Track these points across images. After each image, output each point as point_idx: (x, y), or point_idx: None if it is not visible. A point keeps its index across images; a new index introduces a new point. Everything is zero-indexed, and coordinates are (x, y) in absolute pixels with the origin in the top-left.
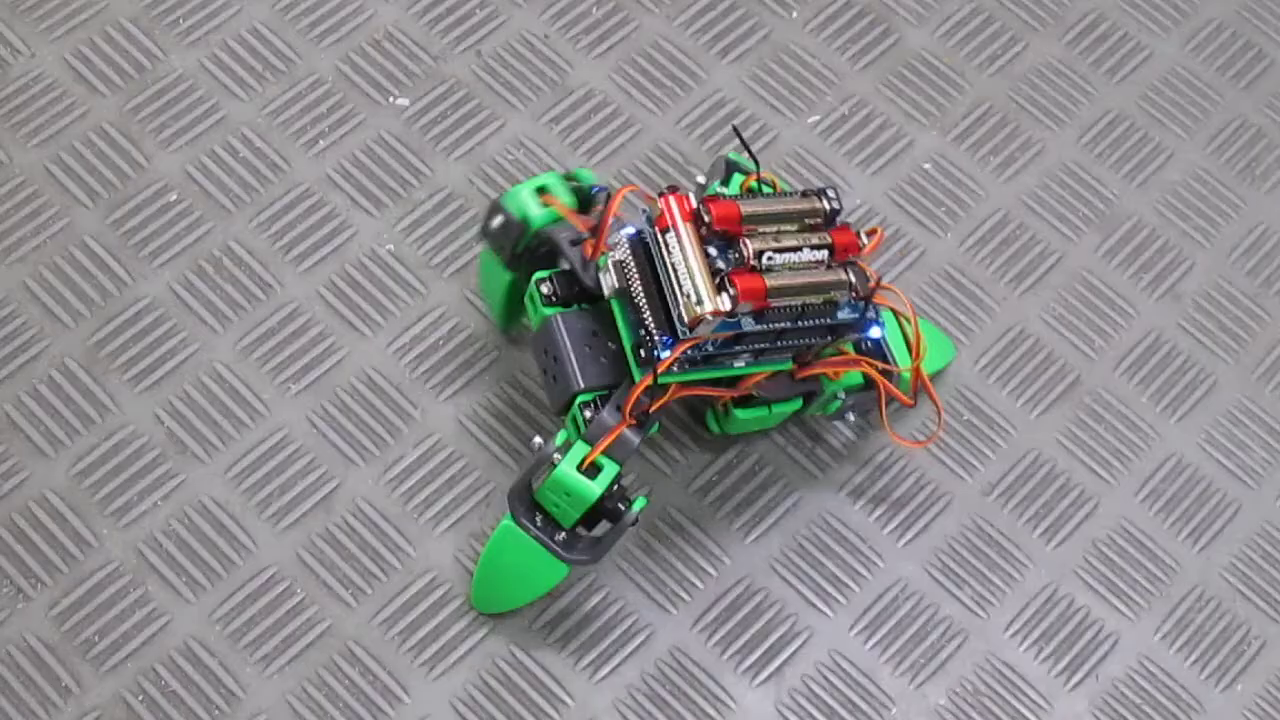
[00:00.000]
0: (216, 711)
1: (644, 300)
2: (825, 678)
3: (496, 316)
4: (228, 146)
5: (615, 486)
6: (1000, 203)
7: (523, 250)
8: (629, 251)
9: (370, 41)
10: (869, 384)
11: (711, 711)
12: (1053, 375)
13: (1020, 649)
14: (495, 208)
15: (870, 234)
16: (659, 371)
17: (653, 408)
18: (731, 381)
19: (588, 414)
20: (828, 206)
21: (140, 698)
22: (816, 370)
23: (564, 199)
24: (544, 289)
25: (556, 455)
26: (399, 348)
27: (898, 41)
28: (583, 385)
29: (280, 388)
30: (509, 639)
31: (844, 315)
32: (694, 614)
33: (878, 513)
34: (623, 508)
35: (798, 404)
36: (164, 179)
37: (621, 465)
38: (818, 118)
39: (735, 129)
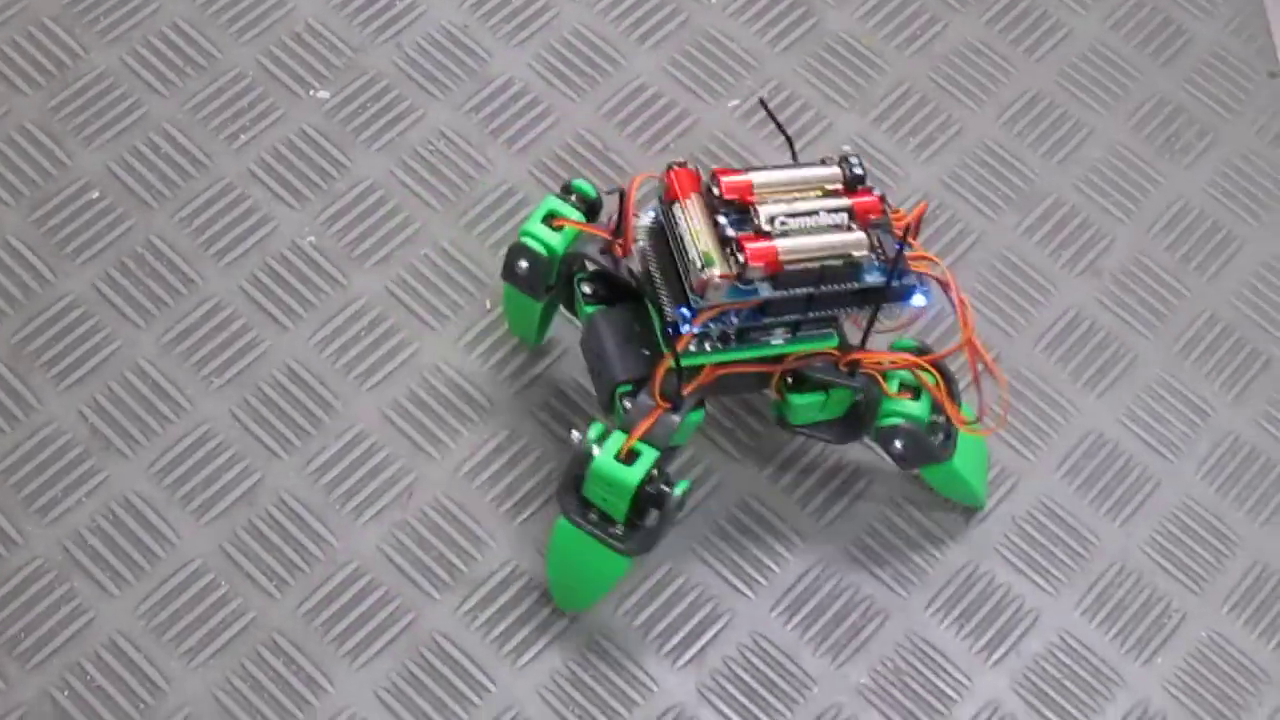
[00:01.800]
0: (142, 705)
1: (660, 279)
2: (747, 659)
3: (530, 339)
4: (149, 143)
5: (655, 472)
6: (920, 183)
7: (555, 280)
8: (647, 237)
9: (290, 35)
10: (930, 432)
11: (634, 695)
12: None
13: (941, 627)
14: (517, 251)
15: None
16: (679, 347)
17: (687, 389)
18: (775, 363)
19: (627, 404)
20: (849, 173)
21: (66, 693)
22: (861, 356)
23: (572, 215)
24: (586, 289)
25: (595, 448)
26: (320, 340)
27: (817, 24)
28: (622, 377)
29: (203, 382)
30: (433, 627)
31: (872, 278)
32: (615, 599)
33: (798, 493)
34: (666, 490)
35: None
36: (85, 176)
37: (661, 451)
38: (737, 101)
39: (763, 102)
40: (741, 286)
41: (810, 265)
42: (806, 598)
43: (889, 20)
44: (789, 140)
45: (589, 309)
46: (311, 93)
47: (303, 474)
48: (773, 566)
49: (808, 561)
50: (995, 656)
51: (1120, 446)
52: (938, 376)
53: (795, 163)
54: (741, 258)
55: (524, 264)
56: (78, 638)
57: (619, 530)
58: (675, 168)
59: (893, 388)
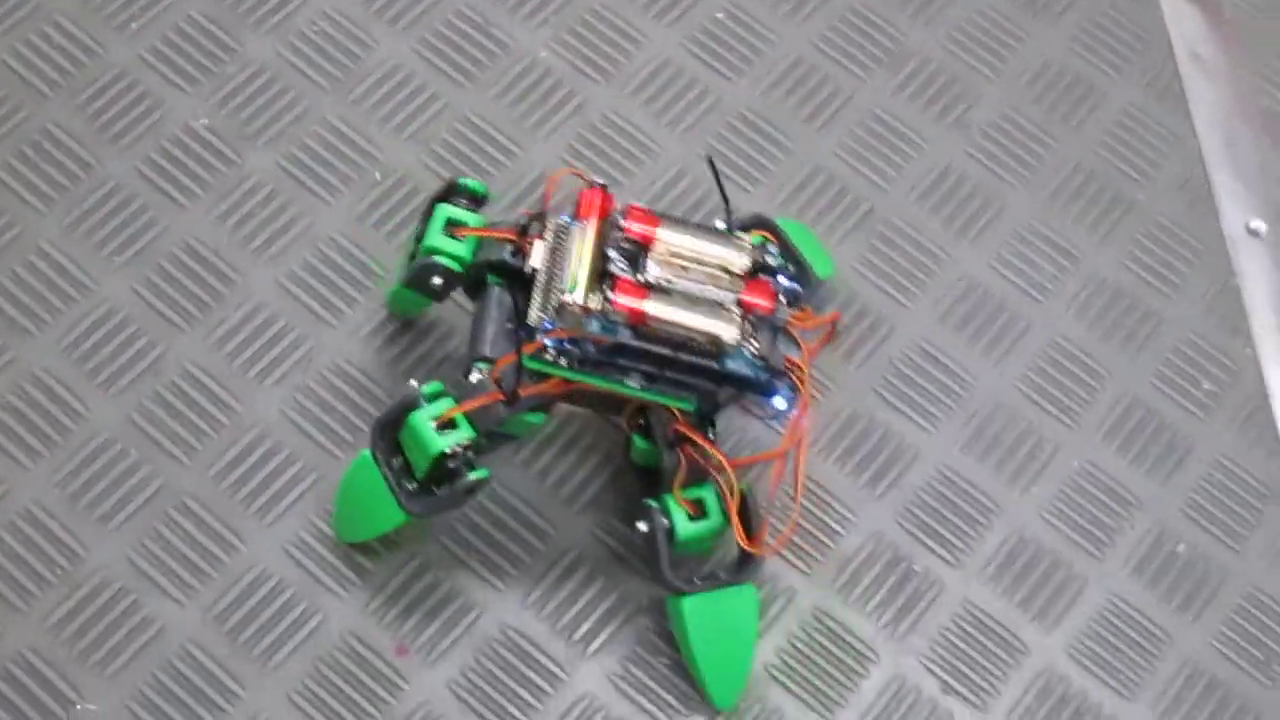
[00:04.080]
0: (59, 570)
1: (545, 280)
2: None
3: (413, 315)
4: (41, 34)
5: (463, 450)
6: (793, 47)
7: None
8: (554, 237)
9: (174, 29)
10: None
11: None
12: (847, 206)
13: (827, 464)
14: (428, 268)
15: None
16: (526, 349)
17: (527, 390)
18: (621, 402)
19: (474, 378)
20: (756, 260)
21: None
22: (687, 432)
23: (472, 222)
24: (496, 276)
25: (422, 401)
26: (217, 215)
27: None
28: (483, 352)
29: (105, 261)
30: (335, 482)
31: (733, 366)
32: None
33: None
34: (463, 471)
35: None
36: None
37: (478, 433)
38: (633, 83)
39: (710, 162)
40: (605, 323)
41: (674, 332)
42: None
43: None
44: (726, 203)
45: (492, 279)
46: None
47: (205, 344)
48: None
49: None
50: (879, 491)
51: (992, 290)
52: (731, 496)
53: (713, 230)
54: (609, 295)
55: (437, 280)
56: None
57: (412, 486)
58: (593, 188)
59: (687, 495)
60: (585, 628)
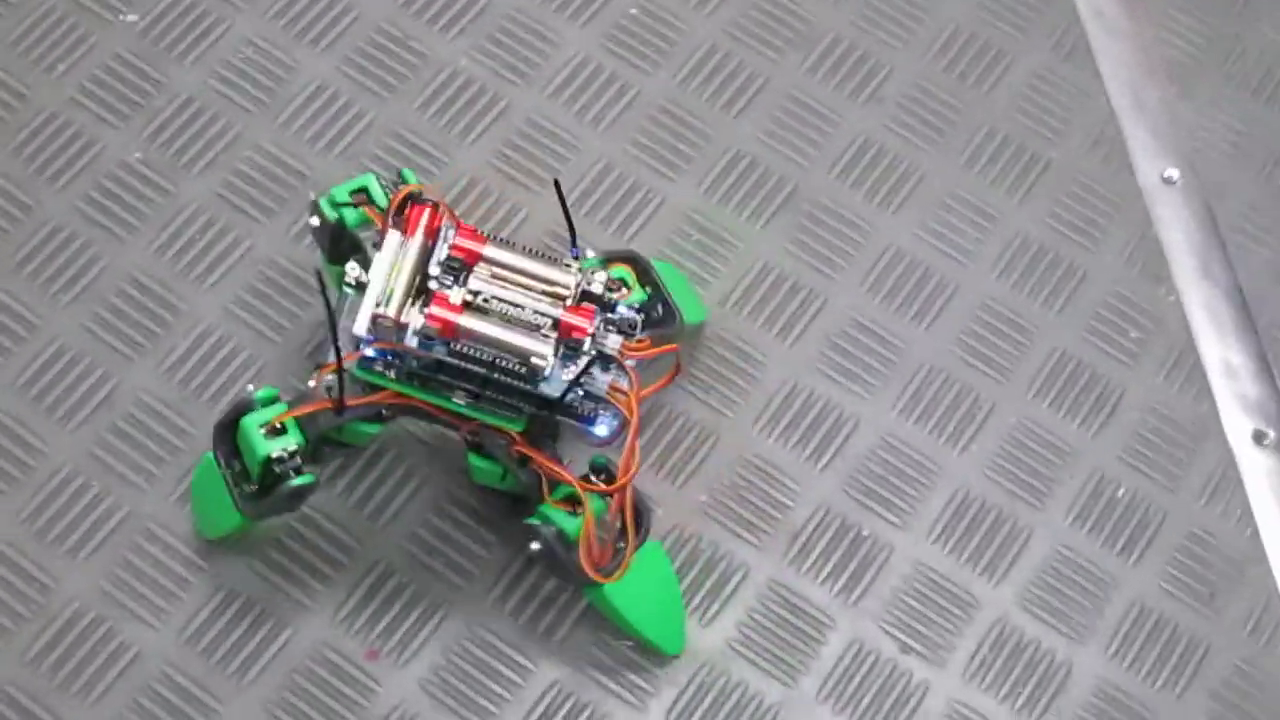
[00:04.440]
0: (34, 604)
1: (369, 294)
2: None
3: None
4: None
5: (286, 454)
6: (706, 36)
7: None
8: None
9: (102, 68)
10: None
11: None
12: (771, 187)
13: (770, 441)
14: (313, 207)
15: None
16: (346, 357)
17: (354, 401)
18: (453, 418)
19: (311, 383)
20: (579, 283)
21: None
22: (532, 454)
23: (378, 202)
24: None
25: (258, 406)
26: (158, 247)
27: None
28: (332, 358)
29: (53, 300)
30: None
31: (547, 389)
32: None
33: None
34: (288, 476)
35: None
36: None
37: (306, 440)
38: (551, 84)
39: (556, 184)
40: (423, 339)
41: (484, 350)
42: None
43: None
44: (571, 230)
45: (346, 288)
46: (121, 17)
47: (157, 373)
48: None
49: None
50: (823, 462)
51: (918, 257)
52: (607, 504)
53: (542, 255)
54: (425, 309)
55: (315, 221)
56: None
57: (249, 489)
58: (422, 204)
59: (557, 496)
60: (548, 619)
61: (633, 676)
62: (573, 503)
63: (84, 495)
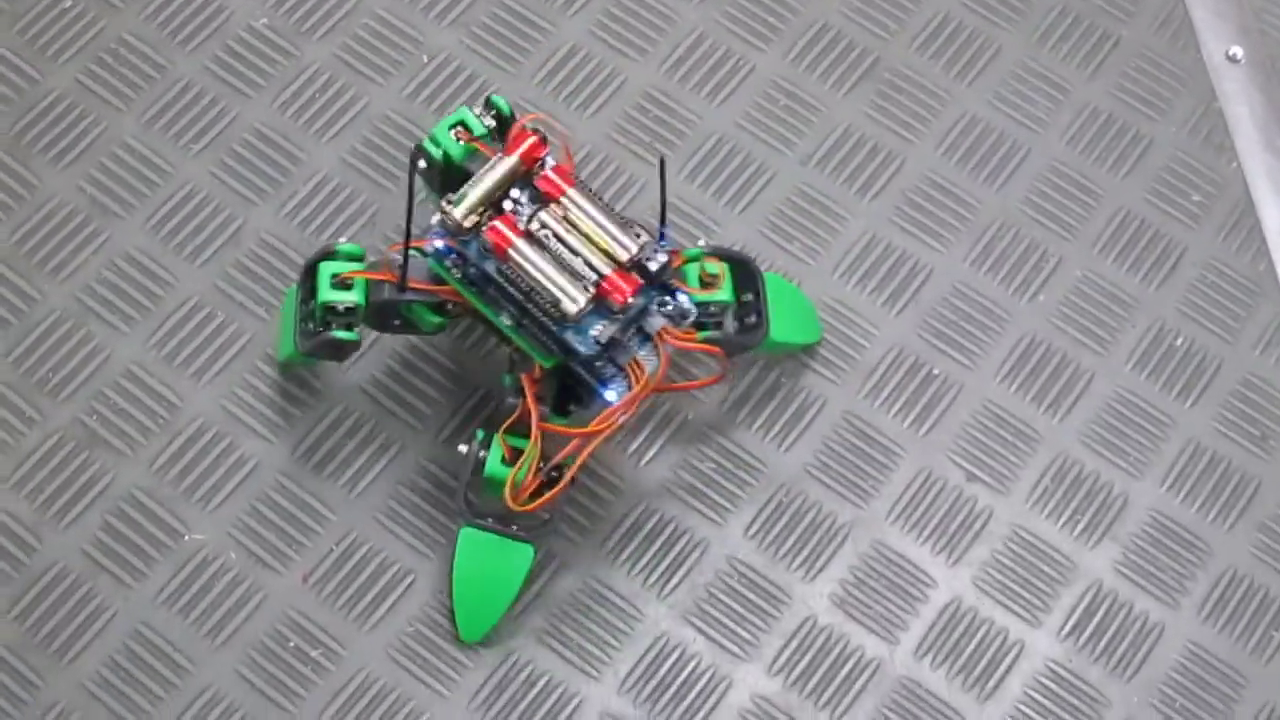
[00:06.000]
0: (22, 565)
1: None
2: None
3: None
4: None
5: (343, 310)
6: (696, 21)
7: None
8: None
9: (107, 50)
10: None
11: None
12: (855, 57)
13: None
14: (418, 151)
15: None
16: (415, 241)
17: (419, 284)
18: (499, 336)
19: (389, 254)
20: (636, 253)
21: None
22: (525, 387)
23: (476, 131)
24: None
25: (339, 255)
26: (153, 225)
27: None
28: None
29: (50, 274)
30: (276, 467)
31: (569, 337)
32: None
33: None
34: (334, 329)
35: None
36: None
37: (368, 304)
38: (539, 71)
39: (661, 163)
40: (466, 241)
41: (523, 281)
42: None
43: None
44: (663, 213)
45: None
46: None
47: (145, 347)
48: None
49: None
50: (898, 308)
51: (991, 124)
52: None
53: (619, 216)
54: (483, 221)
55: (422, 163)
56: None
57: (311, 327)
58: (533, 133)
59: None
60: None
61: (590, 647)
62: (515, 456)
63: (210, 323)
